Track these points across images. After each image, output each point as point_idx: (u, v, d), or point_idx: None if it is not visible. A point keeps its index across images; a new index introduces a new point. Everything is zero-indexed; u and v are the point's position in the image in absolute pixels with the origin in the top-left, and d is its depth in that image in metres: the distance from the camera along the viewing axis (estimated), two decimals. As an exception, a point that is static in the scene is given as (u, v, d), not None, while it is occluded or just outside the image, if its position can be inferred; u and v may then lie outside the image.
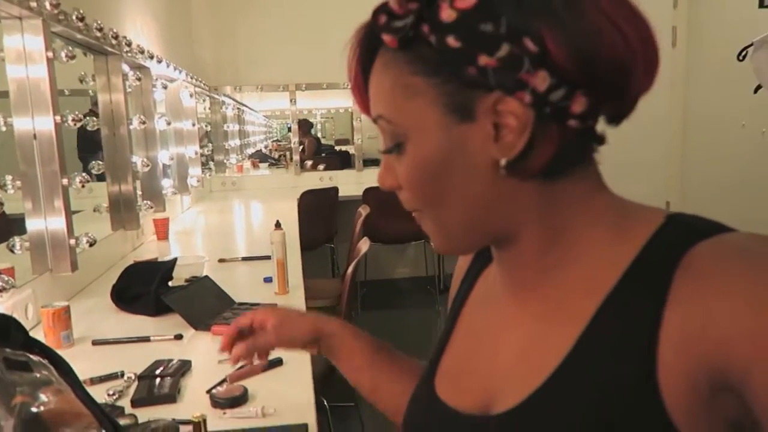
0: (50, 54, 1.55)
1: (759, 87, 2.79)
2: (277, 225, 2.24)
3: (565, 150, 0.45)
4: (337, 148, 6.06)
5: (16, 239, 1.55)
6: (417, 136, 0.47)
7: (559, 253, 0.49)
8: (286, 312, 0.77)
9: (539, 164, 0.45)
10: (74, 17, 1.67)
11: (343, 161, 5.42)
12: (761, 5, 2.81)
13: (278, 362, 1.30)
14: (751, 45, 2.76)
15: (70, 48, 1.71)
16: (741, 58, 2.84)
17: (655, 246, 0.45)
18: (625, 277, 0.45)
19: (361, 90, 0.52)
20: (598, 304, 0.45)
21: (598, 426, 0.43)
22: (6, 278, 1.34)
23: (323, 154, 5.72)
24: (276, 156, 6.21)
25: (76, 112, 1.72)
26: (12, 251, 1.54)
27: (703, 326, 0.39)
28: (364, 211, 3.06)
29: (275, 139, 6.96)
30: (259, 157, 6.31)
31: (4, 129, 1.50)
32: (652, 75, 0.46)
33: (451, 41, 0.43)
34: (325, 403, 2.00)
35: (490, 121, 0.45)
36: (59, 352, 0.74)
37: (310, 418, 1.07)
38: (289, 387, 1.21)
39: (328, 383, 1.95)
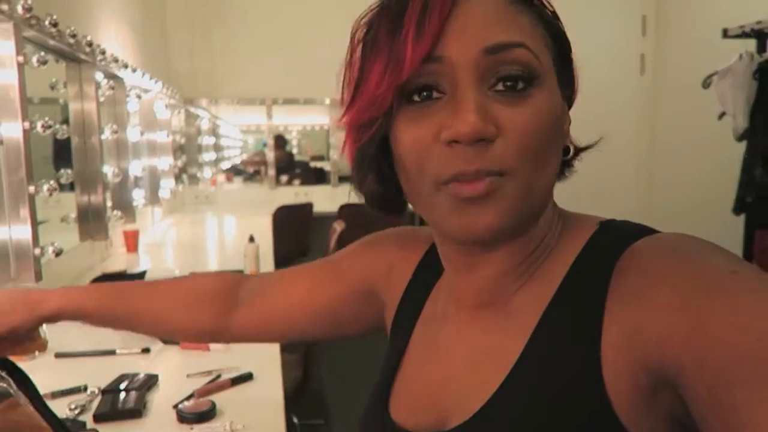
0: (21, 59, 1.51)
1: (723, 113, 2.89)
2: (251, 239, 2.22)
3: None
4: (312, 164, 6.05)
5: (-22, 248, 1.50)
6: (549, 85, 0.46)
7: (529, 261, 0.50)
8: None
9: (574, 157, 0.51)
10: (47, 22, 1.64)
11: (318, 177, 5.42)
12: (725, 35, 2.92)
13: (248, 377, 1.28)
14: (716, 73, 2.86)
15: (42, 53, 1.68)
16: (706, 85, 2.94)
17: (589, 252, 0.47)
18: (564, 283, 0.47)
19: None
20: (540, 312, 0.47)
21: (550, 431, 0.43)
22: (-35, 287, 1.30)
23: (296, 170, 5.70)
24: (250, 171, 6.16)
25: (46, 119, 1.68)
26: (-27, 260, 1.49)
27: (638, 326, 0.40)
28: (339, 226, 3.05)
29: (250, 153, 6.92)
30: (234, 172, 6.25)
31: (-31, 134, 1.46)
32: None
33: (560, 23, 0.49)
34: (295, 421, 1.97)
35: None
36: (20, 364, 0.71)
37: (280, 434, 1.05)
38: (259, 402, 1.19)
39: (298, 400, 1.92)
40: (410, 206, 0.52)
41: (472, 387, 0.49)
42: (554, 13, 0.49)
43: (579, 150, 0.52)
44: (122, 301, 0.72)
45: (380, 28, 0.46)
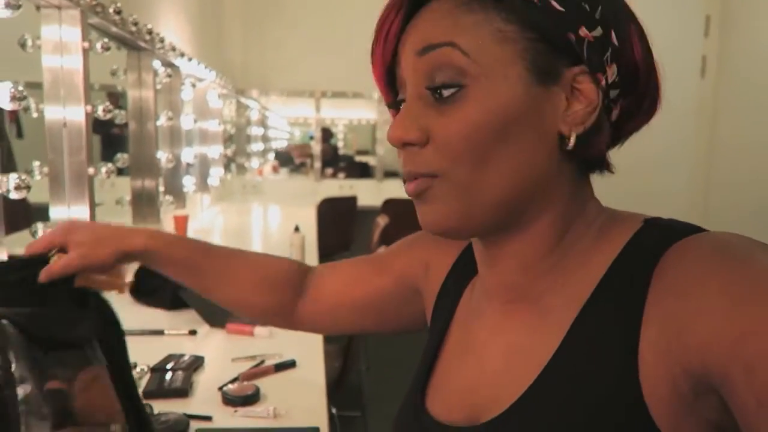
0: (86, 44, 1.57)
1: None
2: (296, 229, 2.24)
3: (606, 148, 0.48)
4: (357, 158, 6.08)
5: (39, 225, 1.56)
6: (491, 83, 0.44)
7: (557, 257, 0.48)
8: (85, 232, 0.67)
9: (596, 151, 0.47)
10: (111, 10, 1.69)
11: (363, 171, 5.44)
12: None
13: (291, 364, 1.29)
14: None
15: (106, 40, 1.74)
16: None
17: (632, 249, 0.45)
18: (603, 282, 0.45)
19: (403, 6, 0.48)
20: (578, 309, 0.45)
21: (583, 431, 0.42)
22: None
23: (341, 163, 5.74)
24: (296, 159, 6.24)
25: (107, 104, 1.74)
26: (34, 237, 1.55)
27: (680, 328, 0.38)
28: (382, 221, 3.06)
29: (297, 143, 7.00)
30: (280, 160, 6.34)
31: (35, 115, 1.52)
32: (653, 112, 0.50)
33: (555, 4, 0.44)
34: (333, 411, 1.98)
35: (565, 93, 0.45)
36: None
37: (321, 422, 1.05)
38: (301, 390, 1.20)
39: (337, 390, 1.93)
40: None
41: (506, 382, 0.49)
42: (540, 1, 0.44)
43: (581, 137, 0.46)
44: (207, 258, 0.73)
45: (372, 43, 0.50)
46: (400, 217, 3.39)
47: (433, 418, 0.54)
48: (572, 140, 0.45)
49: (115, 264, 0.68)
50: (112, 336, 0.63)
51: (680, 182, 4.34)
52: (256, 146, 5.33)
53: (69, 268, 0.64)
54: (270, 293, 0.74)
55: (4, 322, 0.48)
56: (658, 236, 0.44)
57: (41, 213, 1.66)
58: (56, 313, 0.56)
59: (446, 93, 0.44)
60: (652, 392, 0.39)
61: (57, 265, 0.63)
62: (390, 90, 0.50)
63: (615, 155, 0.51)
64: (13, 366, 0.46)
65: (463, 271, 0.61)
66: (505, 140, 0.44)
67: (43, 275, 0.61)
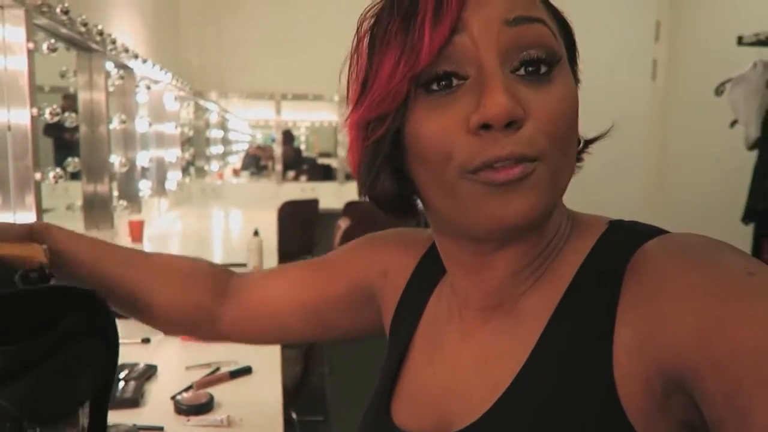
0: (31, 45, 1.51)
1: (735, 122, 2.86)
2: (255, 233, 2.22)
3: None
4: (320, 161, 6.06)
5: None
6: (566, 70, 0.44)
7: (540, 260, 0.48)
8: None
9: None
10: (58, 10, 1.64)
11: (325, 174, 5.42)
12: (740, 43, 2.89)
13: (247, 371, 1.27)
14: (729, 81, 2.83)
15: (53, 41, 1.68)
16: (719, 93, 2.91)
17: (599, 252, 0.45)
18: (573, 284, 0.45)
19: None
20: (549, 313, 0.45)
21: None
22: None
23: (304, 166, 5.71)
24: (262, 164, 6.17)
25: (54, 106, 1.69)
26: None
27: (652, 329, 0.39)
28: (344, 223, 3.05)
29: (259, 145, 6.92)
30: (242, 162, 6.26)
31: (-23, 119, 1.46)
32: None
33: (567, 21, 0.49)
34: (294, 416, 1.96)
35: None
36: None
37: (277, 429, 1.04)
38: (258, 397, 1.18)
39: (298, 395, 1.91)
40: (420, 206, 0.50)
41: (479, 390, 0.48)
42: (557, 9, 0.48)
43: (588, 141, 0.50)
44: (114, 258, 0.64)
45: (391, 18, 0.43)
46: (362, 219, 3.39)
47: (398, 428, 0.52)
48: (581, 142, 0.48)
49: (24, 238, 0.58)
50: (110, 379, 0.52)
51: (632, 182, 4.47)
52: (216, 149, 5.25)
53: None
54: (184, 292, 0.66)
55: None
56: (625, 238, 0.45)
57: (-14, 220, 1.59)
58: (63, 368, 0.44)
59: (543, 69, 0.42)
60: (626, 392, 0.39)
61: None
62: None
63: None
64: None
65: (427, 274, 0.58)
66: (576, 128, 0.45)
67: None
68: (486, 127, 0.40)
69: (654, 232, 0.45)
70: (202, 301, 0.66)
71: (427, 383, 0.53)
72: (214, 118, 5.06)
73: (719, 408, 0.34)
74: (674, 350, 0.37)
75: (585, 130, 0.50)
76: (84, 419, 0.47)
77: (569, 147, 0.44)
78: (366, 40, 0.47)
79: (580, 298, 0.44)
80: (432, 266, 0.58)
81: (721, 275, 0.37)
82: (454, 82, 0.42)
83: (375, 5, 0.47)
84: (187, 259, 0.70)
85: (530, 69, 0.42)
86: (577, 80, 0.49)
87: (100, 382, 0.49)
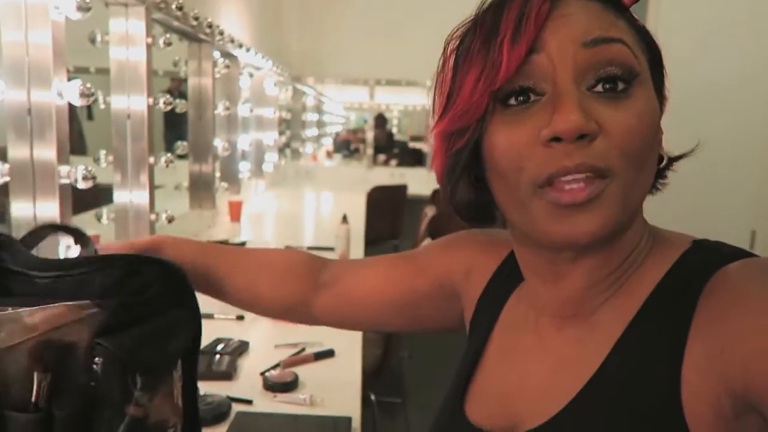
0: (149, 40, 1.65)
1: None
2: (344, 219, 2.29)
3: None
4: (411, 144, 6.09)
5: (104, 209, 1.67)
6: (646, 88, 0.45)
7: (619, 273, 0.49)
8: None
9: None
10: (173, 6, 1.77)
11: (416, 158, 5.46)
12: None
13: (330, 353, 1.34)
14: None
15: (168, 35, 1.82)
16: None
17: (679, 270, 0.46)
18: (650, 299, 0.46)
19: None
20: (625, 325, 0.46)
21: None
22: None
23: (395, 149, 5.77)
24: (352, 147, 6.31)
25: (168, 96, 1.83)
26: (99, 221, 1.67)
27: (723, 348, 0.39)
28: (430, 211, 3.07)
29: (351, 128, 7.07)
30: (336, 145, 6.43)
31: (103, 106, 1.62)
32: None
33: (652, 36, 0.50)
34: (372, 397, 2.04)
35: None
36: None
37: (354, 412, 1.10)
38: (339, 378, 1.25)
39: (378, 377, 1.98)
40: (499, 215, 0.52)
41: (548, 394, 0.49)
42: (643, 26, 0.48)
43: (672, 159, 0.50)
44: (218, 258, 0.71)
45: (475, 38, 0.46)
46: (447, 207, 3.37)
47: (470, 423, 0.55)
48: (665, 160, 0.49)
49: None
50: (197, 342, 0.60)
51: (745, 176, 4.12)
52: (311, 132, 5.42)
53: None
54: (288, 284, 0.72)
55: (107, 345, 0.46)
56: (706, 258, 0.45)
57: (106, 194, 1.77)
58: (158, 330, 0.51)
59: (621, 86, 0.43)
60: (693, 412, 0.40)
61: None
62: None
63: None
64: (105, 387, 0.46)
65: (507, 278, 0.60)
66: (654, 146, 0.45)
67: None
68: (557, 140, 0.42)
69: (738, 253, 0.44)
70: (298, 292, 0.73)
71: (500, 383, 0.56)
72: (310, 101, 5.23)
73: None
74: (744, 369, 0.37)
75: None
76: (176, 374, 0.54)
77: (645, 164, 0.44)
78: (452, 60, 0.49)
79: (655, 313, 0.45)
80: (511, 270, 0.59)
81: None
82: (531, 97, 0.44)
83: (460, 27, 0.49)
84: (283, 253, 0.77)
85: (607, 86, 0.43)
86: (662, 97, 0.48)
87: (189, 343, 0.56)
